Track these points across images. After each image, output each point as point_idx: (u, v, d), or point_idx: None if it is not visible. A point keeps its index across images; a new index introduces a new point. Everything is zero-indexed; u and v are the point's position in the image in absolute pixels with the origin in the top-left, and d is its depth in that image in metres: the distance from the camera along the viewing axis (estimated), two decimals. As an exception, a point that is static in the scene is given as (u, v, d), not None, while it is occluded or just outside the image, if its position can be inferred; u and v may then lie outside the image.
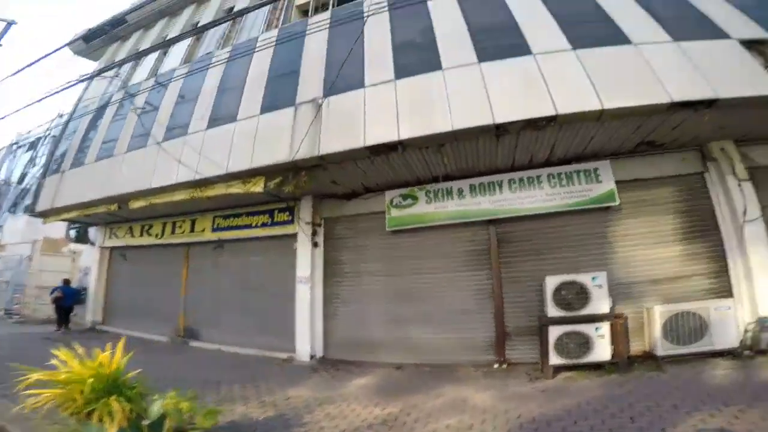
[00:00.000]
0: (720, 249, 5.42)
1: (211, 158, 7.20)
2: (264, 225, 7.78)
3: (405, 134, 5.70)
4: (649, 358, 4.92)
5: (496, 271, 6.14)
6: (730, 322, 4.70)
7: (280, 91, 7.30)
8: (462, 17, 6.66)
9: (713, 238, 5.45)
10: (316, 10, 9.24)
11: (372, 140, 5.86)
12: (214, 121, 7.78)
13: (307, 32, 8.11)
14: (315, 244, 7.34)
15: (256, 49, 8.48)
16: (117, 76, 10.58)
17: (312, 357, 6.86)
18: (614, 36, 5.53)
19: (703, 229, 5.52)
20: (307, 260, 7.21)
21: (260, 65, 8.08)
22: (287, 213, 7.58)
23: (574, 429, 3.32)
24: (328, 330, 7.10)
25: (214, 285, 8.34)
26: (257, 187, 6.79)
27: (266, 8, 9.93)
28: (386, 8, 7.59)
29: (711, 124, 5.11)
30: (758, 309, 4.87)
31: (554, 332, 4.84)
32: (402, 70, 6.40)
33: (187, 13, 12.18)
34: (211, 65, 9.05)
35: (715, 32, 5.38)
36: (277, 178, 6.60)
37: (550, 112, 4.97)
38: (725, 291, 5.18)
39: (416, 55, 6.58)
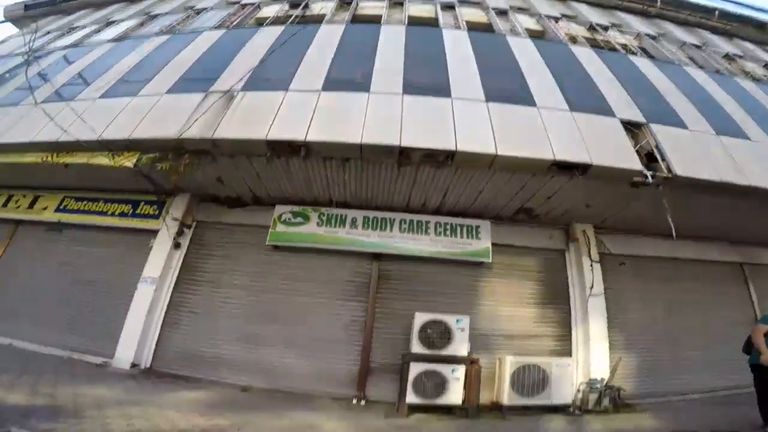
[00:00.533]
0: (567, 317, 6.05)
1: (88, 122, 5.99)
2: (123, 215, 6.37)
3: (313, 137, 5.21)
4: (495, 408, 5.18)
5: (372, 305, 5.91)
6: (567, 379, 5.23)
7: (197, 79, 6.59)
8: (403, 53, 6.82)
9: (563, 307, 6.10)
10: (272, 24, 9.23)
11: (275, 135, 5.26)
12: (110, 92, 6.73)
13: (256, 32, 7.93)
14: (177, 245, 6.11)
15: (197, 37, 8.00)
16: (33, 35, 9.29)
17: (134, 365, 5.53)
18: (524, 98, 6.06)
19: (556, 298, 6.17)
20: (161, 260, 5.97)
21: (191, 54, 7.47)
22: (155, 207, 6.35)
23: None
24: (164, 339, 5.86)
25: (33, 271, 6.49)
26: (128, 161, 5.60)
27: (227, 10, 9.84)
28: (343, 25, 7.82)
29: (580, 197, 5.69)
30: (590, 371, 5.44)
31: (415, 369, 4.88)
32: (331, 85, 6.13)
33: (146, 2, 11.73)
34: (141, 43, 8.32)
35: (605, 110, 6.08)
36: (155, 154, 5.51)
37: (451, 147, 5.05)
38: (566, 353, 5.77)
39: (350, 74, 6.44)
